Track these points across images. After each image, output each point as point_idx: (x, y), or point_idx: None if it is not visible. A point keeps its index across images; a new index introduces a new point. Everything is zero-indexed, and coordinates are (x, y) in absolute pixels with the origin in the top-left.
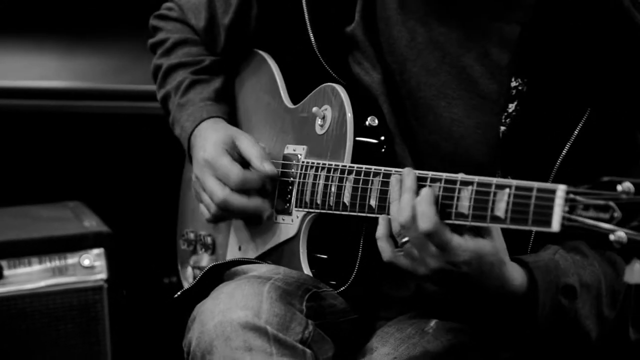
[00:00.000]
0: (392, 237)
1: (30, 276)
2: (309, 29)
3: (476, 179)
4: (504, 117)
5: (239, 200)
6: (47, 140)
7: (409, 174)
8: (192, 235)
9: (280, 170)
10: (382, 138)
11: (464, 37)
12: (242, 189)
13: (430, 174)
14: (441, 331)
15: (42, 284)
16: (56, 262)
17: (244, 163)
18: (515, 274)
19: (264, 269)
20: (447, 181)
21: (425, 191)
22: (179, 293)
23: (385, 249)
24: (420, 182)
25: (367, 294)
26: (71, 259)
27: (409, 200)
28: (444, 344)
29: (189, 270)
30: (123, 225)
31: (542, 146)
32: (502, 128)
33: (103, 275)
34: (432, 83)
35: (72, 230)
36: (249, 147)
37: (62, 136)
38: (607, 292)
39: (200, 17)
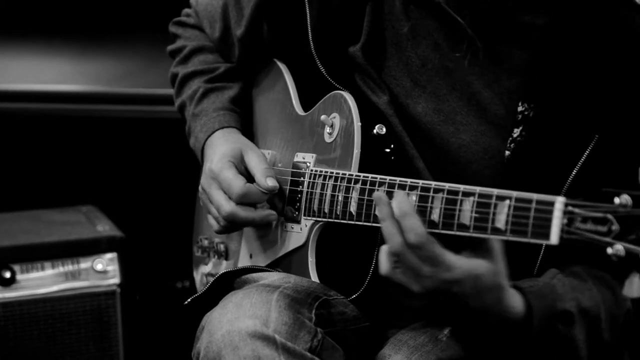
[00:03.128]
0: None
1: (43, 280)
2: (312, 46)
3: (477, 189)
4: (509, 141)
5: (245, 213)
6: (61, 144)
7: (399, 193)
8: (206, 242)
9: (290, 178)
10: (391, 146)
11: (475, 63)
12: (245, 202)
13: (433, 184)
14: (455, 340)
15: (55, 288)
16: (69, 267)
17: (251, 176)
18: (515, 301)
19: (274, 277)
20: (449, 192)
21: (404, 200)
22: (189, 300)
23: (383, 262)
24: (406, 190)
25: (380, 302)
26: (84, 264)
27: (392, 226)
28: (457, 352)
29: (202, 276)
30: (136, 229)
31: (548, 172)
32: (507, 153)
33: (116, 280)
34: (441, 109)
35: (85, 234)
36: (256, 162)
37: (76, 140)
38: (607, 317)
39: (215, 27)
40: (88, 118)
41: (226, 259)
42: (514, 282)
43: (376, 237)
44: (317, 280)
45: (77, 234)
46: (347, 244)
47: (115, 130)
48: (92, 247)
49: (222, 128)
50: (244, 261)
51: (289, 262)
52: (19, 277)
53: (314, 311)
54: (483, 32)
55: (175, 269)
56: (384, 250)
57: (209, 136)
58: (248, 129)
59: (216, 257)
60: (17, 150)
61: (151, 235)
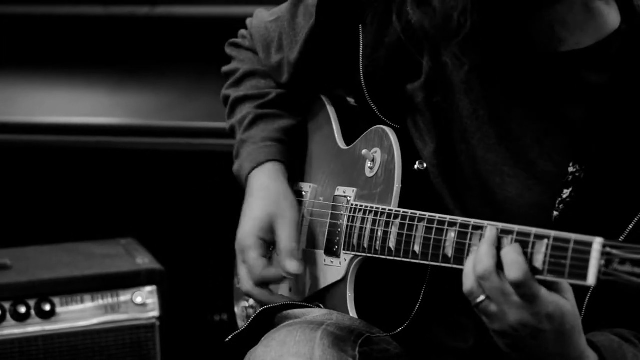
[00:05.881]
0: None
1: (83, 313)
2: (362, 79)
3: (516, 227)
4: (557, 202)
5: (261, 296)
6: (99, 177)
7: (491, 227)
8: None
9: (330, 212)
10: (431, 183)
11: (526, 116)
12: (262, 285)
13: (472, 221)
14: None
15: (95, 321)
16: (108, 300)
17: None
18: (590, 355)
19: (316, 313)
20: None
21: (513, 244)
22: (230, 337)
23: (468, 282)
24: (501, 235)
25: (423, 341)
26: (123, 297)
27: (487, 251)
28: None
29: (243, 309)
30: (175, 262)
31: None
32: (555, 213)
33: (155, 313)
34: (488, 158)
35: (124, 267)
36: (285, 239)
37: (114, 173)
38: None
39: (269, 52)
40: (126, 150)
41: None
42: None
43: (424, 272)
44: (356, 316)
45: (116, 266)
46: (390, 278)
47: (154, 163)
48: (132, 280)
49: (268, 161)
50: (284, 293)
51: (329, 296)
52: (58, 310)
53: (357, 349)
54: (537, 85)
55: (213, 302)
56: (469, 271)
57: (254, 168)
58: (295, 164)
59: None
60: (57, 182)
61: (190, 268)
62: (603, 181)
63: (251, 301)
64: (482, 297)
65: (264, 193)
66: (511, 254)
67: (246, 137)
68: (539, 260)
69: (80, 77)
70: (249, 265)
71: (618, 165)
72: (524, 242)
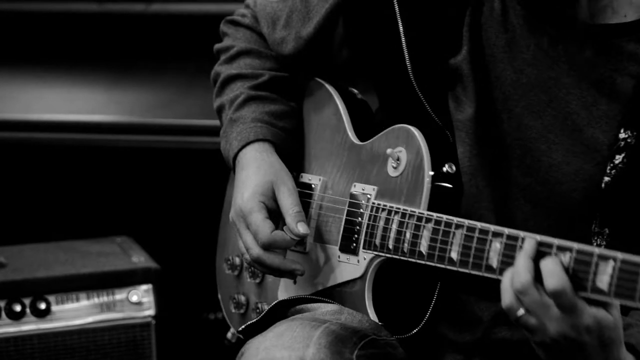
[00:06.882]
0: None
1: (78, 312)
2: (406, 57)
3: (575, 245)
4: (609, 168)
5: (270, 260)
6: (94, 175)
7: (530, 239)
8: (237, 260)
9: (347, 208)
10: (460, 186)
11: (574, 84)
12: (271, 249)
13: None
14: None
15: (90, 319)
16: (104, 298)
17: (281, 214)
18: (628, 356)
19: (326, 308)
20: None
21: (550, 256)
22: (243, 327)
23: (507, 297)
24: (542, 248)
25: (430, 340)
26: (119, 295)
27: (525, 264)
28: None
29: (231, 296)
30: (171, 260)
31: None
32: (606, 179)
33: (151, 312)
34: (533, 125)
35: (120, 265)
36: (287, 203)
37: (109, 170)
38: None
39: (276, 25)
40: (122, 148)
41: (262, 280)
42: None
43: (436, 275)
44: (374, 317)
45: (112, 265)
46: (404, 279)
47: (149, 160)
48: (128, 279)
49: (258, 141)
50: (286, 286)
51: (341, 294)
52: (54, 308)
53: (356, 352)
54: (586, 54)
55: (209, 300)
56: (507, 284)
57: (243, 147)
58: (287, 147)
59: (250, 277)
60: (52, 180)
61: (185, 266)
62: None
63: (243, 287)
64: (521, 312)
65: (259, 163)
66: (550, 265)
67: (236, 116)
68: (603, 282)
69: (75, 74)
70: (254, 229)
71: None
72: (585, 262)
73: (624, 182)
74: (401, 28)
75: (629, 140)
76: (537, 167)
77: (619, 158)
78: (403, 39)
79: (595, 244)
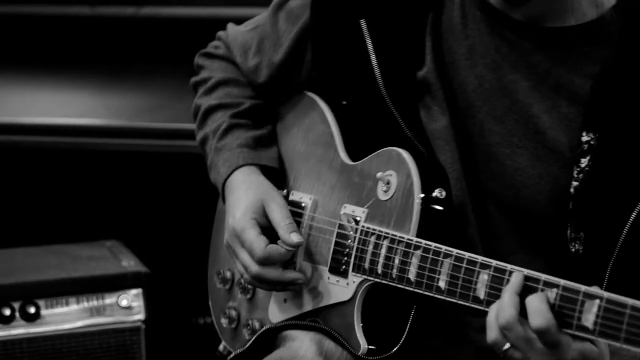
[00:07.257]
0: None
1: (68, 316)
2: (377, 74)
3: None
4: (576, 172)
5: (270, 275)
6: (84, 179)
7: (517, 273)
8: (228, 274)
9: (337, 230)
10: (450, 212)
11: (533, 88)
12: (268, 263)
13: (509, 266)
14: None
15: (80, 324)
16: (94, 302)
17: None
18: None
19: (306, 344)
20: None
21: (536, 293)
22: (231, 356)
23: (492, 332)
24: (529, 283)
25: (423, 357)
26: (109, 299)
27: (511, 299)
28: None
29: (223, 310)
30: (161, 265)
31: (616, 202)
32: (575, 183)
33: (141, 316)
34: (497, 130)
35: (110, 270)
36: (278, 217)
37: (99, 174)
38: None
39: (248, 54)
40: (111, 152)
41: (252, 296)
42: None
43: (413, 298)
44: (364, 342)
45: (102, 269)
46: (386, 302)
47: (139, 164)
48: (118, 283)
49: (245, 165)
50: (276, 304)
51: (330, 315)
52: (43, 312)
53: None
54: (543, 57)
55: (199, 305)
56: (492, 320)
57: (232, 172)
58: (273, 170)
59: (241, 293)
60: (40, 184)
61: (174, 270)
62: (618, 148)
63: (234, 303)
64: (506, 346)
65: (248, 185)
66: (535, 303)
67: (221, 145)
68: (589, 320)
69: (66, 77)
70: (249, 245)
71: (631, 132)
72: (571, 299)
73: (593, 186)
74: (370, 46)
75: (592, 143)
76: (502, 172)
77: (584, 161)
78: (373, 57)
79: (573, 249)
